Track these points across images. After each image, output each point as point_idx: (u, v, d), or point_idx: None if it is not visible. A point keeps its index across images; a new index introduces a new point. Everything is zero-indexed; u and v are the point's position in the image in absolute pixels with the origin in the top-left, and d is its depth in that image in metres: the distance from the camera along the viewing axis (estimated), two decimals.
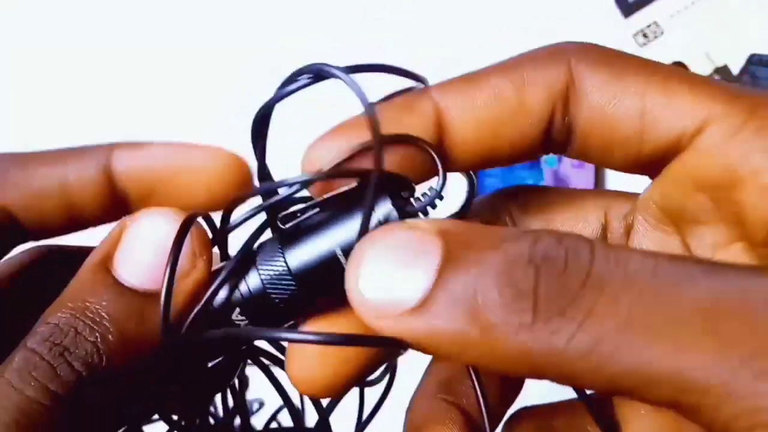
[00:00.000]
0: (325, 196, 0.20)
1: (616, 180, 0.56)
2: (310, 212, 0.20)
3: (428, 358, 0.24)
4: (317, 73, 0.20)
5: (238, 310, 0.20)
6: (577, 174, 0.57)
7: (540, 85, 0.20)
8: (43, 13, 0.65)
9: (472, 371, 0.20)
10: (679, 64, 0.57)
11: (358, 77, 0.19)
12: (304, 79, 0.20)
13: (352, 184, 0.20)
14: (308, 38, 0.62)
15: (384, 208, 0.19)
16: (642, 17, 0.57)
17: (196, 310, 0.20)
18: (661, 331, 0.15)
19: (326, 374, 0.20)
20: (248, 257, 0.20)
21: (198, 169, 0.22)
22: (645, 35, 0.57)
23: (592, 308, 0.16)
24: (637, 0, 0.58)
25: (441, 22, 0.62)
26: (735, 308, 0.15)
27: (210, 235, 0.21)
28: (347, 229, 0.19)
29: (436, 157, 0.20)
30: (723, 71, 0.56)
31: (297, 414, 0.24)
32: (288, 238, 0.20)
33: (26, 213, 0.22)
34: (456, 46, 0.60)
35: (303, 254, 0.20)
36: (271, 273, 0.20)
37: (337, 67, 0.20)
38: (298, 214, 0.21)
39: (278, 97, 0.21)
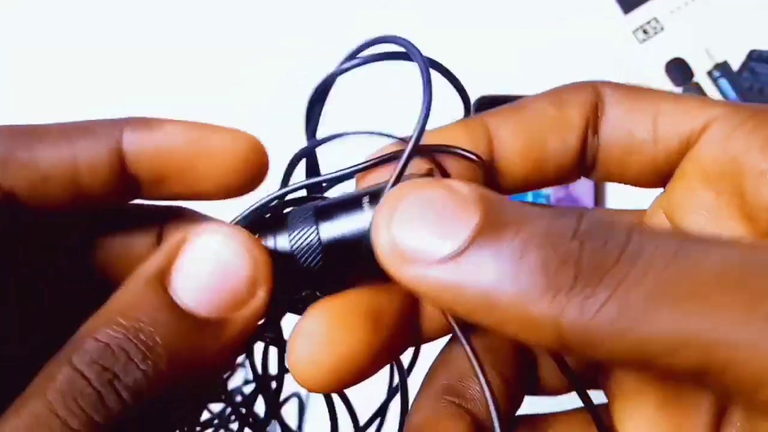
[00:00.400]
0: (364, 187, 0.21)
1: (615, 197, 0.56)
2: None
3: (425, 366, 0.23)
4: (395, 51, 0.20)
5: None
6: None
7: (575, 103, 0.22)
8: None
9: (479, 370, 0.20)
10: (679, 61, 0.57)
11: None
12: (371, 55, 0.20)
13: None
14: (313, 32, 0.62)
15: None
16: (642, 13, 0.57)
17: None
18: (690, 293, 0.16)
19: (328, 366, 0.20)
20: (281, 218, 0.20)
21: (217, 152, 0.21)
22: (645, 31, 0.57)
23: (624, 278, 0.16)
24: None
25: (441, 21, 0.62)
26: (759, 270, 0.16)
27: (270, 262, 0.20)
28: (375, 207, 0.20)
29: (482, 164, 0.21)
30: (723, 67, 0.56)
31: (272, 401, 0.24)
32: (322, 209, 0.20)
33: (31, 195, 0.21)
34: (456, 46, 0.60)
35: (334, 223, 0.20)
36: (301, 236, 0.20)
37: (420, 53, 0.20)
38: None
39: (342, 69, 0.20)
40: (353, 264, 0.20)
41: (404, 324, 0.21)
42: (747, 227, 0.21)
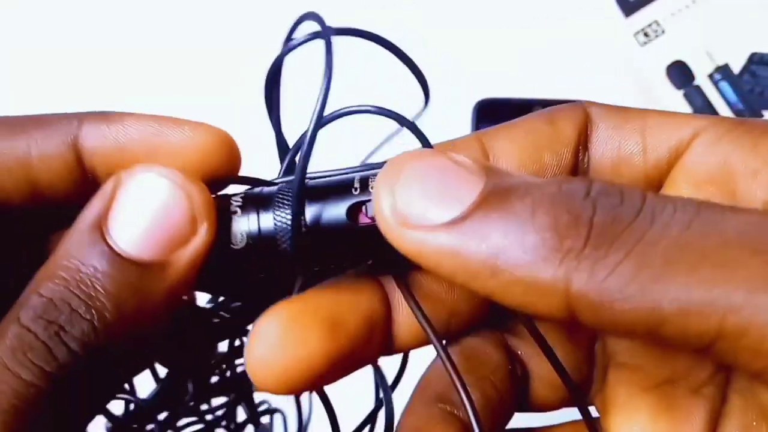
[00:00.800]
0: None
1: None
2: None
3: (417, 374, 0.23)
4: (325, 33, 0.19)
5: (243, 242, 0.20)
6: None
7: (567, 120, 0.22)
8: None
9: (459, 385, 0.20)
10: (680, 63, 0.57)
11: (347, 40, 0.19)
12: (308, 35, 0.19)
13: None
14: None
15: None
16: (643, 16, 0.57)
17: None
18: (709, 254, 0.15)
19: (281, 369, 0.19)
20: (268, 197, 0.20)
21: (180, 147, 0.20)
22: (646, 34, 0.57)
23: (642, 236, 0.16)
24: None
25: (441, 24, 0.62)
26: None
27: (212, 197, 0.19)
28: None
29: None
30: (724, 70, 0.56)
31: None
32: (309, 190, 0.20)
33: None
34: (457, 49, 0.60)
35: (321, 207, 0.19)
36: (286, 217, 0.19)
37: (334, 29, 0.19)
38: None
39: (286, 51, 0.20)
40: (336, 249, 0.20)
41: (371, 332, 0.21)
42: None
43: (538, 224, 0.16)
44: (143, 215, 0.18)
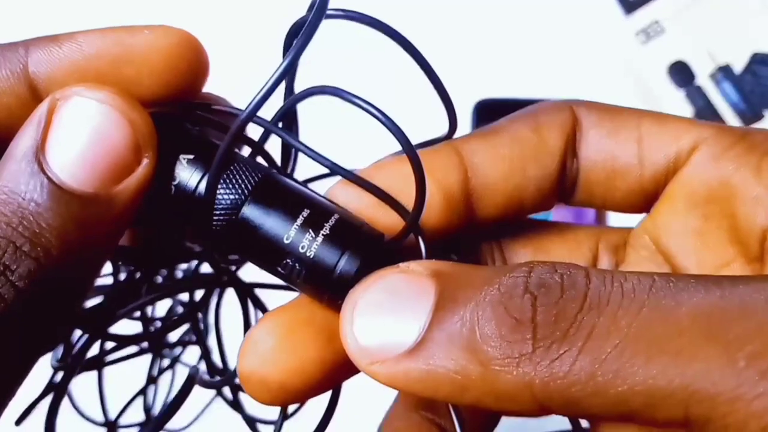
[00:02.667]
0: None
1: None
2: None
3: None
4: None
5: (171, 191, 0.19)
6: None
7: (553, 125, 0.21)
8: None
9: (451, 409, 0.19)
10: (681, 63, 0.56)
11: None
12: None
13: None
14: None
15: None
16: (643, 16, 0.57)
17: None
18: (664, 344, 0.15)
19: (276, 380, 0.19)
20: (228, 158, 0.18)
21: (141, 54, 0.18)
22: (647, 34, 0.57)
23: (591, 330, 0.16)
24: None
25: (441, 23, 0.61)
26: (735, 313, 0.15)
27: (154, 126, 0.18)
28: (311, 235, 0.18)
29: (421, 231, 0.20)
30: (725, 70, 0.56)
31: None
32: (263, 185, 0.19)
33: None
34: (457, 49, 0.60)
35: (262, 211, 0.19)
36: (226, 198, 0.18)
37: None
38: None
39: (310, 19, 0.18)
40: (247, 253, 0.19)
41: None
42: (736, 252, 0.20)
43: (486, 335, 0.16)
44: (83, 144, 0.17)
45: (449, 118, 0.21)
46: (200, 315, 0.26)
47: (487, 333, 0.16)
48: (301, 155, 0.20)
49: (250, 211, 0.18)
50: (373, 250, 0.19)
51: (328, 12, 0.18)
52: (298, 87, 0.20)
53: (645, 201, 0.22)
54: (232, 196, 0.18)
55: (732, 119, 0.56)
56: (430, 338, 0.17)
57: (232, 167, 0.19)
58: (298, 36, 0.17)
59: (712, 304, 0.16)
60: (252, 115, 0.18)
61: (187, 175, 0.19)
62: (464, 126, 0.59)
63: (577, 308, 0.16)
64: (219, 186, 0.18)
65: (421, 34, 0.18)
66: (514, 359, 0.16)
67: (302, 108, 0.21)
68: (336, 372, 0.19)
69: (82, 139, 0.17)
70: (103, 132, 0.17)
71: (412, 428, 0.22)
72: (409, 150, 0.18)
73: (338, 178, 0.20)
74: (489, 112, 0.59)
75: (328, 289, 0.19)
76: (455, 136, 0.22)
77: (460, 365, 0.16)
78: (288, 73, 0.18)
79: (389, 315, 0.17)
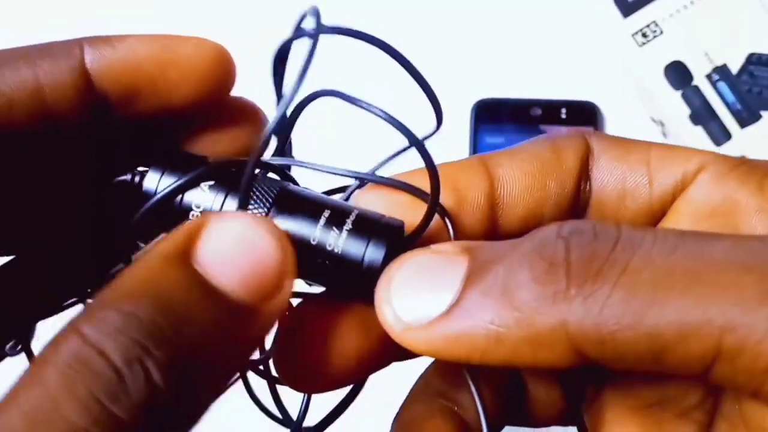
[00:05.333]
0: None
1: None
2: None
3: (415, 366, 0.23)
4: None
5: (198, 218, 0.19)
6: None
7: (569, 148, 0.22)
8: None
9: (469, 377, 0.20)
10: (678, 64, 0.57)
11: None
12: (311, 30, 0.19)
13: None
14: None
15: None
16: (641, 17, 0.57)
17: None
18: (698, 276, 0.15)
19: (316, 365, 0.19)
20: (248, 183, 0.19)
21: (185, 60, 0.20)
22: (644, 35, 0.57)
23: (626, 266, 0.16)
24: None
25: (440, 24, 0.62)
26: None
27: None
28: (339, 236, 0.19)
29: (449, 223, 0.21)
30: (722, 71, 0.56)
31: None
32: (283, 196, 0.20)
33: None
34: (455, 49, 0.60)
35: (287, 219, 0.19)
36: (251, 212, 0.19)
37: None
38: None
39: (294, 36, 0.19)
40: None
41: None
42: None
43: (520, 281, 0.17)
44: (236, 254, 0.16)
45: (435, 112, 0.22)
46: None
47: (521, 279, 0.17)
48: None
49: (276, 221, 0.19)
50: (396, 238, 0.20)
51: (307, 31, 0.19)
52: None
53: (653, 220, 0.22)
54: (256, 212, 0.19)
55: (729, 120, 0.56)
56: (465, 297, 0.17)
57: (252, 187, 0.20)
58: (297, 77, 0.18)
59: (746, 246, 0.16)
60: (259, 156, 0.18)
61: (210, 199, 0.20)
62: (463, 126, 0.59)
63: (610, 247, 0.16)
64: (240, 204, 0.19)
65: (421, 35, 0.19)
66: (549, 299, 0.16)
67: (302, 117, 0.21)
68: (368, 361, 0.20)
69: (235, 250, 0.16)
70: (257, 248, 0.17)
71: (431, 413, 0.22)
72: (415, 141, 0.19)
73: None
74: (488, 111, 0.59)
75: (358, 280, 0.19)
76: (443, 132, 0.23)
77: (495, 314, 0.17)
78: (284, 116, 0.18)
79: (424, 284, 0.18)
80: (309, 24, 0.19)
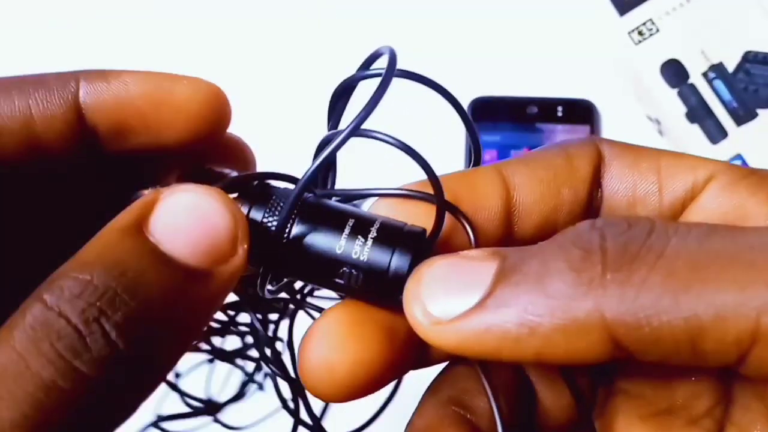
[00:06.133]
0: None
1: None
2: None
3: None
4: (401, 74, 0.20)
5: None
6: None
7: (582, 155, 0.22)
8: None
9: (482, 374, 0.20)
10: (675, 62, 0.57)
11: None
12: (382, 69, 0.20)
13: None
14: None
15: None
16: (637, 15, 0.57)
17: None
18: (736, 257, 0.16)
19: (343, 372, 0.19)
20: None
21: (179, 101, 0.20)
22: (640, 33, 0.57)
23: (663, 250, 0.16)
24: None
25: (436, 23, 0.62)
26: None
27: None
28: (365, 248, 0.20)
29: (469, 229, 0.21)
30: (718, 68, 0.56)
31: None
32: (307, 205, 0.20)
33: None
34: (451, 48, 0.60)
35: (310, 228, 0.20)
36: (274, 222, 0.20)
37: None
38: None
39: (353, 79, 0.21)
40: (302, 270, 0.20)
41: (414, 343, 0.21)
42: None
43: (554, 270, 0.16)
44: (188, 223, 0.17)
45: (474, 154, 0.23)
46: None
47: (555, 267, 0.17)
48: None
49: (299, 232, 0.20)
50: (419, 245, 0.20)
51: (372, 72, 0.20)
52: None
53: None
54: (280, 223, 0.20)
55: (725, 118, 0.56)
56: (497, 289, 0.17)
57: (271, 200, 0.20)
58: (361, 110, 0.19)
59: None
60: (308, 182, 0.20)
61: None
62: (460, 124, 0.59)
63: (645, 235, 0.16)
64: (264, 216, 0.20)
65: (417, 33, 0.19)
66: (584, 286, 0.16)
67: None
68: (392, 369, 0.20)
69: (187, 219, 0.17)
70: (207, 217, 0.18)
71: (443, 421, 0.21)
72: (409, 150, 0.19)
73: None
74: (484, 110, 0.59)
75: (384, 287, 0.19)
76: (439, 131, 0.23)
77: (528, 302, 0.16)
78: (343, 144, 0.19)
79: (454, 282, 0.18)
80: (381, 63, 0.20)
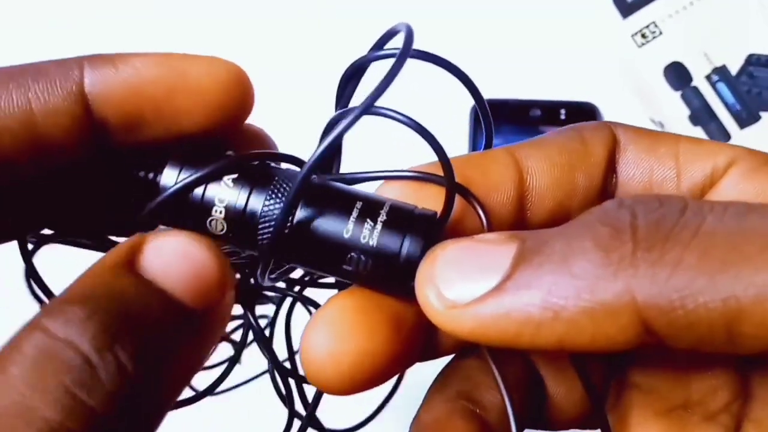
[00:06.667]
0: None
1: None
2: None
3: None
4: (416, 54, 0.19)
5: (221, 213, 0.19)
6: None
7: (597, 139, 0.21)
8: None
9: (496, 372, 0.19)
10: (678, 65, 0.57)
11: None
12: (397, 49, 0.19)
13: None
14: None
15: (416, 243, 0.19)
16: (640, 17, 0.57)
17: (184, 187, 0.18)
18: None
19: (347, 361, 0.18)
20: (268, 174, 0.19)
21: (196, 84, 0.18)
22: (643, 35, 0.57)
23: (697, 229, 0.15)
24: (635, 0, 0.58)
25: (439, 25, 0.62)
26: None
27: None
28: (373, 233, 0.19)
29: (481, 213, 0.20)
30: (721, 71, 0.56)
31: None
32: (311, 189, 0.19)
33: None
34: (454, 50, 0.60)
35: (314, 213, 0.19)
36: (275, 207, 0.19)
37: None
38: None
39: (367, 59, 0.19)
40: (307, 257, 0.19)
41: (422, 334, 0.20)
42: None
43: (580, 250, 0.15)
44: (181, 266, 0.17)
45: (486, 136, 0.22)
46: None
47: (582, 246, 0.15)
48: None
49: (304, 216, 0.19)
50: (431, 229, 0.19)
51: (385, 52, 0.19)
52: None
53: None
54: (279, 206, 0.19)
55: (728, 121, 0.56)
56: (518, 271, 0.16)
57: (274, 181, 0.19)
58: (375, 88, 0.17)
59: None
60: (313, 167, 0.18)
61: (235, 195, 0.19)
62: (462, 126, 0.59)
63: (679, 213, 0.15)
64: (266, 199, 0.19)
65: (420, 36, 0.19)
66: (613, 265, 0.15)
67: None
68: (398, 360, 0.19)
69: (176, 260, 0.17)
70: (196, 259, 0.17)
71: (452, 414, 0.21)
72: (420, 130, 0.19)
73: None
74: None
75: (397, 273, 0.18)
76: (441, 134, 0.23)
77: (552, 283, 0.15)
78: (353, 125, 0.18)
79: (471, 265, 0.16)
80: (394, 43, 0.19)
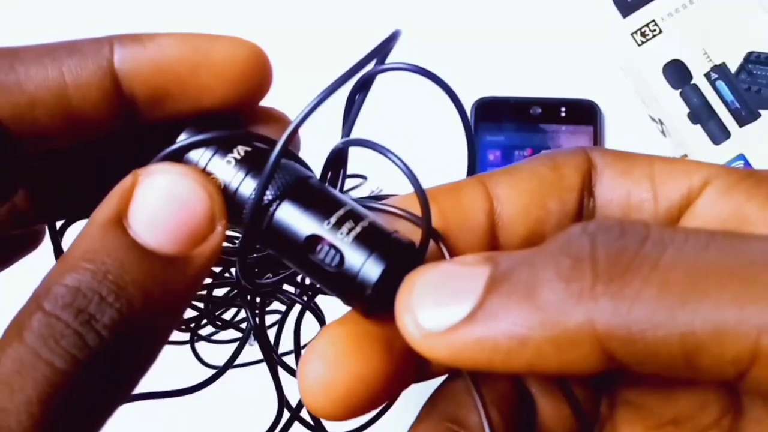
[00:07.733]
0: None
1: None
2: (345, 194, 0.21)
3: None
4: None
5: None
6: None
7: (570, 164, 0.22)
8: None
9: (471, 383, 0.20)
10: (677, 63, 0.57)
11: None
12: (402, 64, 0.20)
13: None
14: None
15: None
16: (640, 16, 0.58)
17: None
18: (736, 273, 0.15)
19: (342, 390, 0.19)
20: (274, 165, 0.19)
21: (219, 61, 0.19)
22: (643, 34, 0.58)
23: (656, 262, 0.15)
24: None
25: (440, 24, 0.62)
26: None
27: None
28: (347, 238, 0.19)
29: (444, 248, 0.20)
30: (721, 69, 0.56)
31: None
32: (299, 185, 0.20)
33: (17, 122, 0.19)
34: (455, 48, 0.61)
35: (297, 210, 0.19)
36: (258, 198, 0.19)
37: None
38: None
39: (371, 72, 0.20)
40: (281, 240, 0.20)
41: (413, 357, 0.20)
42: None
43: (543, 280, 0.16)
44: (164, 211, 0.18)
45: (469, 160, 0.23)
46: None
47: (545, 277, 0.16)
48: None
49: (289, 204, 0.19)
50: (401, 255, 0.19)
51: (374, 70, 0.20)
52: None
53: None
54: (268, 194, 0.19)
55: (728, 118, 0.56)
56: (487, 301, 0.17)
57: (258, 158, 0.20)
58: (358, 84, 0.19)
59: None
60: (285, 146, 0.19)
61: (232, 174, 0.20)
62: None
63: (639, 243, 0.16)
64: (256, 192, 0.19)
65: (421, 33, 0.19)
66: (574, 297, 0.15)
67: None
68: (392, 384, 0.20)
69: (164, 206, 0.18)
70: (184, 201, 0.18)
71: None
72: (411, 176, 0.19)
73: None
74: (488, 110, 0.60)
75: (352, 284, 0.19)
76: (442, 131, 0.23)
77: (518, 315, 0.16)
78: (335, 90, 0.19)
79: (446, 292, 0.17)
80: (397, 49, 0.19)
